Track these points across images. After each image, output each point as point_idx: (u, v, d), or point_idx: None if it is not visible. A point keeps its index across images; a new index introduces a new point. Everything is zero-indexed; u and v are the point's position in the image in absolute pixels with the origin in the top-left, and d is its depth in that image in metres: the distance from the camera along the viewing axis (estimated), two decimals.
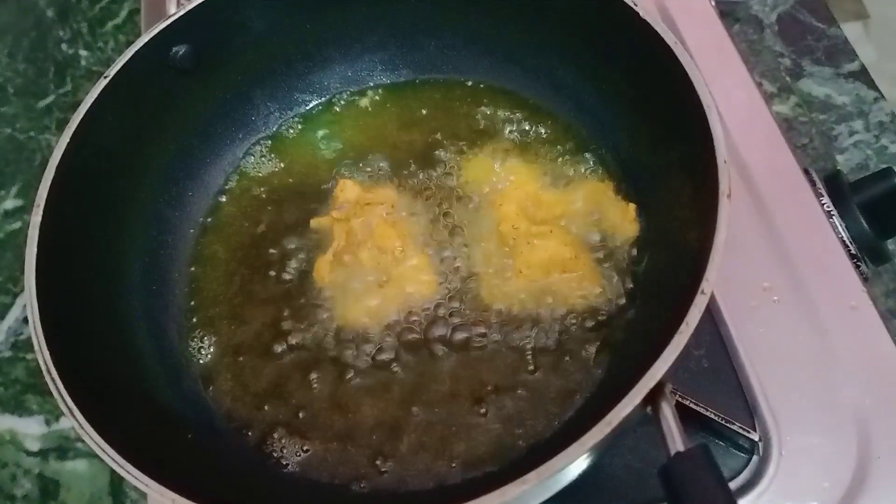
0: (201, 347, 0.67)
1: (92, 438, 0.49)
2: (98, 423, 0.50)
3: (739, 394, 0.66)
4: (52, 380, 0.51)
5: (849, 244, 0.72)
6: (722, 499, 0.43)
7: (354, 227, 0.69)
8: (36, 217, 0.58)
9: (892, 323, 0.69)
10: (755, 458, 0.63)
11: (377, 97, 0.79)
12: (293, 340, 0.65)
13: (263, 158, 0.77)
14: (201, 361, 0.66)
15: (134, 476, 0.48)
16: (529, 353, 0.62)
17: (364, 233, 0.68)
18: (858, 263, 0.71)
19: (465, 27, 0.75)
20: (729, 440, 0.64)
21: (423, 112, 0.77)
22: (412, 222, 0.70)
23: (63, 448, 0.78)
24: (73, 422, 0.50)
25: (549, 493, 0.51)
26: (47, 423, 0.80)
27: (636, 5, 0.60)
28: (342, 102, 0.80)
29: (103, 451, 0.49)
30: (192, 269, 0.71)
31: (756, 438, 0.63)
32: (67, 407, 0.50)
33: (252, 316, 0.67)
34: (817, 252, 0.71)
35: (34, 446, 0.78)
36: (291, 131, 0.79)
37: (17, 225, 0.94)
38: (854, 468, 0.61)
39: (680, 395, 0.63)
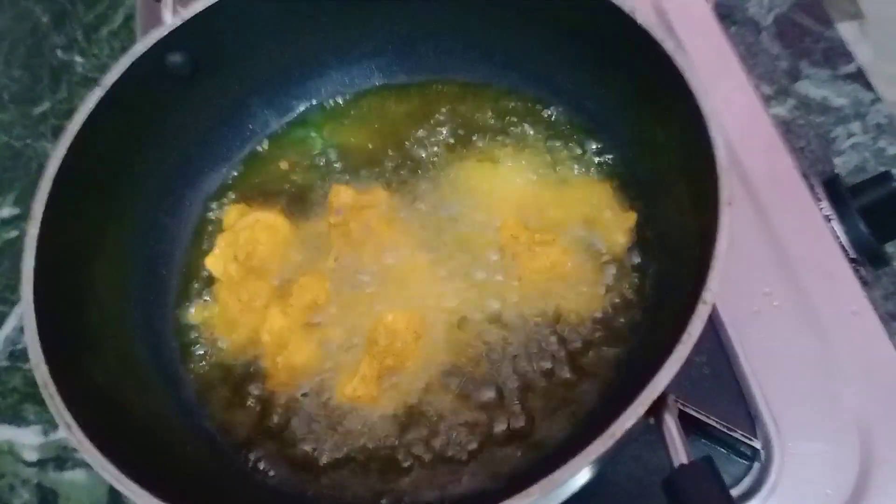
0: (200, 360, 0.66)
1: (89, 453, 0.49)
2: (96, 437, 0.50)
3: (741, 400, 0.66)
4: (50, 394, 0.51)
5: (848, 248, 0.72)
6: None
7: (353, 231, 0.69)
8: (33, 229, 0.58)
9: (892, 326, 0.69)
10: (757, 465, 0.63)
11: (374, 101, 0.79)
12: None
13: (261, 165, 0.77)
14: (199, 374, 0.66)
15: (132, 491, 0.47)
16: (530, 360, 0.62)
17: (363, 236, 0.68)
18: (858, 267, 0.71)
19: (463, 32, 0.75)
20: (731, 447, 0.64)
21: (421, 115, 0.77)
22: (410, 225, 0.69)
23: (61, 458, 0.78)
24: (70, 436, 0.49)
25: None
26: (45, 432, 0.79)
27: (634, 11, 0.60)
28: (339, 107, 0.79)
29: (101, 466, 0.48)
30: (190, 279, 0.71)
31: (758, 446, 0.63)
32: (65, 422, 0.50)
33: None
34: (817, 256, 0.71)
35: (32, 456, 0.78)
36: (288, 137, 0.79)
37: (14, 233, 0.94)
38: (857, 474, 0.61)
39: (681, 403, 0.63)
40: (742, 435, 0.63)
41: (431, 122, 0.76)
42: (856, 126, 0.89)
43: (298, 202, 0.73)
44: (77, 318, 0.60)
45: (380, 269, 0.67)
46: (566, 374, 0.60)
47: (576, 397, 0.59)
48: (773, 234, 0.73)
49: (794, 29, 0.96)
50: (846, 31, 1.00)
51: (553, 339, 0.62)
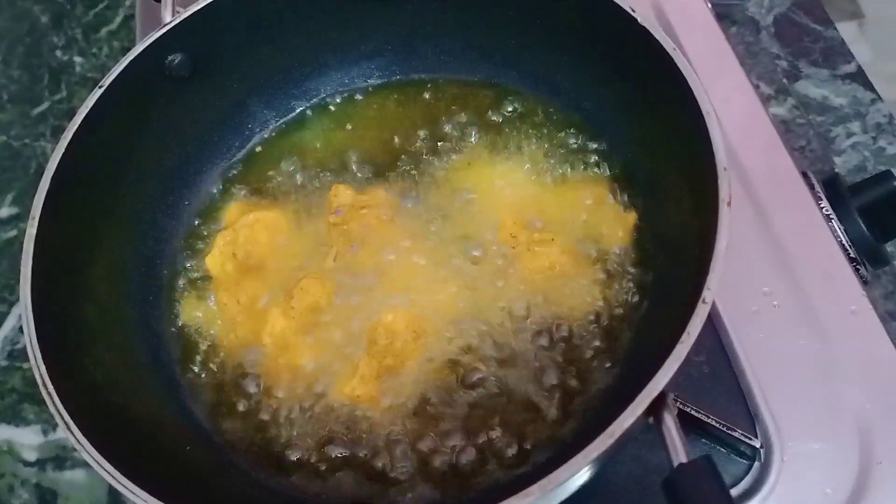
0: (199, 360, 0.66)
1: (89, 453, 0.49)
2: (95, 436, 0.50)
3: (740, 399, 0.66)
4: (49, 394, 0.51)
5: (848, 248, 0.72)
6: None
7: (353, 231, 0.69)
8: (31, 229, 0.58)
9: (892, 326, 0.69)
10: (757, 464, 0.63)
11: (374, 101, 0.79)
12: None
13: (260, 165, 0.77)
14: (198, 374, 0.65)
15: (131, 491, 0.47)
16: (529, 359, 0.62)
17: (363, 235, 0.68)
18: (858, 267, 0.71)
19: (463, 32, 0.75)
20: (730, 447, 0.64)
21: (419, 113, 0.77)
22: (410, 224, 0.69)
23: (60, 458, 0.78)
24: (69, 436, 0.49)
25: None
26: (44, 432, 0.79)
27: (634, 11, 0.60)
28: (338, 106, 0.79)
29: (100, 465, 0.48)
30: (189, 279, 0.71)
31: (757, 445, 0.63)
32: (64, 421, 0.50)
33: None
34: (816, 256, 0.71)
35: (31, 456, 0.78)
36: (288, 137, 0.79)
37: (13, 233, 0.94)
38: (856, 473, 0.61)
39: (681, 402, 0.63)
40: (742, 434, 0.63)
41: (431, 121, 0.76)
42: (855, 125, 0.89)
43: (298, 202, 0.73)
44: (75, 318, 0.60)
45: (379, 269, 0.67)
46: (565, 373, 0.60)
47: (575, 397, 0.59)
48: (772, 233, 0.73)
49: (794, 29, 0.96)
50: (845, 30, 1.01)
51: (552, 338, 0.62)
